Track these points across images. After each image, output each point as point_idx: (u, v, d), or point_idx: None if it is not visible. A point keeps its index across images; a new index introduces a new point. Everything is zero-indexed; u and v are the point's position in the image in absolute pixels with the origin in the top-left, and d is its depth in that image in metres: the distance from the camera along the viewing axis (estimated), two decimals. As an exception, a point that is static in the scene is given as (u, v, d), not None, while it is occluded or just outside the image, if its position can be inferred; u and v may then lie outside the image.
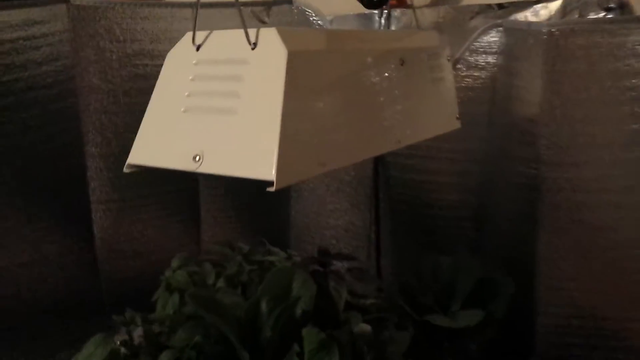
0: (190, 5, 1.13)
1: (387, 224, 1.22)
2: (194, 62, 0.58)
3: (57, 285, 1.12)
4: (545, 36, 0.91)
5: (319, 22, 1.18)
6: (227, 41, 0.57)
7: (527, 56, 0.97)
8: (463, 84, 1.08)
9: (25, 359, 1.08)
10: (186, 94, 0.57)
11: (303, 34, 0.60)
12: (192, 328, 0.74)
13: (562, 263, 0.97)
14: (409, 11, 1.23)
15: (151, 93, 0.60)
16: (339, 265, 0.92)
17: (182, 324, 0.76)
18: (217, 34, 0.58)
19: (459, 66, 1.08)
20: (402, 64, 0.71)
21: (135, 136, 0.59)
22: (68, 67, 1.07)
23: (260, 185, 0.49)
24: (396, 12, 1.24)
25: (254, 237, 1.10)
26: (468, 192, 1.14)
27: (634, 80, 0.89)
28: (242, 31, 0.54)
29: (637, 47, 0.88)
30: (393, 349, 0.74)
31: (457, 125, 0.85)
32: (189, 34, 0.59)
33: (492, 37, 1.06)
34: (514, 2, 1.18)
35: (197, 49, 0.58)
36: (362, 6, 1.22)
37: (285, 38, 0.52)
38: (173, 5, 1.13)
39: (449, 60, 0.85)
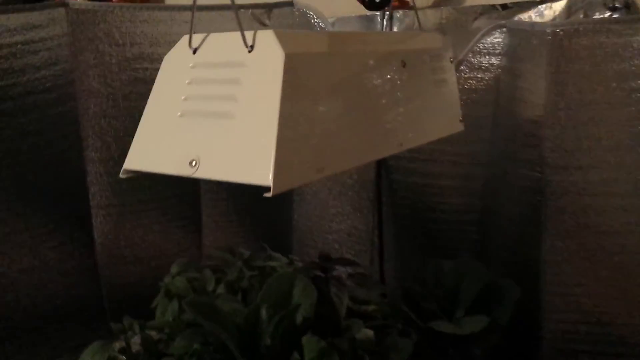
0: (189, 8, 1.12)
1: (390, 227, 1.21)
2: (190, 65, 0.57)
3: (57, 290, 1.11)
4: (549, 37, 0.90)
5: (320, 24, 1.17)
6: (224, 44, 0.56)
7: (531, 57, 0.96)
8: (466, 86, 1.08)
9: (25, 365, 1.08)
10: (183, 97, 0.56)
11: (301, 36, 0.59)
12: (191, 335, 0.73)
13: (567, 267, 0.96)
14: (411, 13, 1.23)
15: (150, 97, 0.59)
16: (340, 270, 0.91)
17: (181, 332, 0.75)
18: (214, 37, 0.57)
19: (462, 68, 1.07)
20: (404, 66, 0.70)
21: (134, 141, 0.58)
22: (67, 71, 1.06)
23: (258, 190, 0.48)
24: (398, 14, 1.23)
25: (256, 242, 1.10)
26: (472, 196, 1.13)
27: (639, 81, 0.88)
28: (239, 34, 0.53)
29: (643, 47, 0.87)
30: (396, 357, 0.73)
31: (460, 127, 0.84)
32: (186, 37, 0.58)
33: (496, 38, 1.05)
34: (518, 2, 1.17)
35: (194, 52, 0.57)
36: (364, 8, 1.21)
37: (282, 40, 0.51)
38: (172, 8, 1.12)
39: (451, 61, 0.84)
